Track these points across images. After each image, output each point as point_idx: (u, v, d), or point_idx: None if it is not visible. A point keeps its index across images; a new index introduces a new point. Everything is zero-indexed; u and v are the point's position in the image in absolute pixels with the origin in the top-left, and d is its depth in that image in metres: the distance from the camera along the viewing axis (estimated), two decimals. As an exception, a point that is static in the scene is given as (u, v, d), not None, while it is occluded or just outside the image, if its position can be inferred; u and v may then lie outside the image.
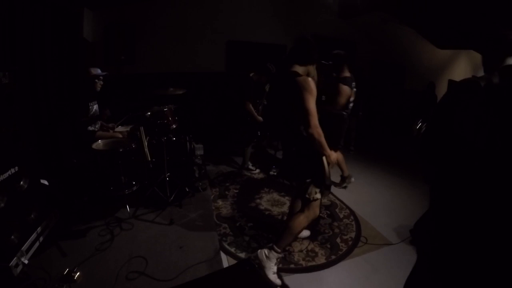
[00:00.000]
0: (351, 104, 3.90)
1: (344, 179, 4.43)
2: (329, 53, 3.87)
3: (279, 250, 2.52)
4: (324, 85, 5.87)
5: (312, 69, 2.46)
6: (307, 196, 2.45)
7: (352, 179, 4.48)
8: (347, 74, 3.80)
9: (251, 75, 4.53)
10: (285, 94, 2.41)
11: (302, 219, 2.52)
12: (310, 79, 2.26)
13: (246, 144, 4.84)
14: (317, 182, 2.42)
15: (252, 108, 4.48)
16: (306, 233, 3.12)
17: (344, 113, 3.87)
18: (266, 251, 2.52)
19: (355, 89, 3.87)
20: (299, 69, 2.40)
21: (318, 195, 2.47)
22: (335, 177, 4.49)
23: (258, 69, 4.51)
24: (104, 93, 3.94)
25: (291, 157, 2.53)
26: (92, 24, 5.26)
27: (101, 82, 3.81)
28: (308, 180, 2.44)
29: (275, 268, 2.50)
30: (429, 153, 1.41)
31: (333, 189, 4.36)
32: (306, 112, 2.21)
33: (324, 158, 2.30)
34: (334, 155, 2.43)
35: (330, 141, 2.36)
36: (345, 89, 3.68)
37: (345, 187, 4.42)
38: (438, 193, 1.40)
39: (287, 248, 2.93)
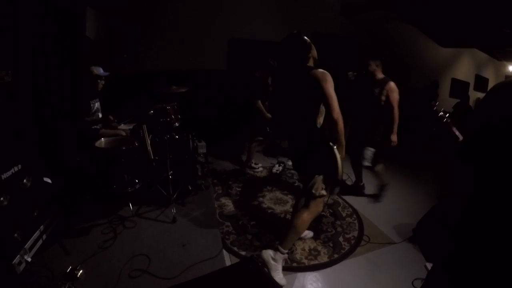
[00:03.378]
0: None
1: (356, 188, 4.29)
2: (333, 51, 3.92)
3: (284, 251, 2.51)
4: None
5: (314, 52, 2.47)
6: (313, 191, 2.44)
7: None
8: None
9: (256, 74, 4.53)
10: (298, 89, 2.40)
11: (306, 216, 2.51)
12: (326, 71, 2.28)
13: (251, 140, 4.83)
14: (329, 177, 2.43)
15: (262, 106, 4.49)
16: (309, 234, 3.12)
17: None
18: (271, 252, 2.50)
19: None
20: (309, 61, 2.42)
21: (324, 191, 2.46)
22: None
23: (261, 66, 4.52)
24: (106, 91, 3.94)
25: (303, 151, 2.50)
26: (94, 23, 5.26)
27: (103, 82, 3.81)
28: (318, 175, 2.44)
29: (280, 269, 2.50)
30: (471, 156, 1.31)
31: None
32: (329, 98, 2.21)
33: (336, 152, 2.26)
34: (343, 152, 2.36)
35: None
36: None
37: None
38: (478, 198, 1.29)
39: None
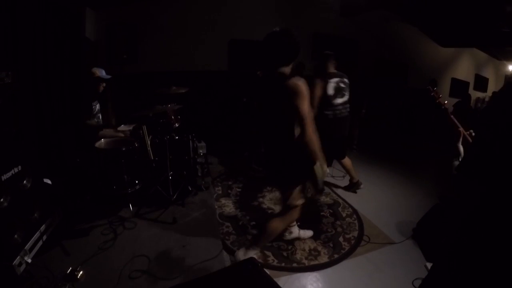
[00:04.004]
0: (338, 100, 3.75)
1: (353, 185, 4.25)
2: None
3: (257, 249, 2.56)
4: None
5: (296, 60, 2.27)
6: (288, 203, 2.42)
7: (362, 186, 4.26)
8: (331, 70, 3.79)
9: (260, 74, 4.52)
10: (274, 99, 2.23)
11: (279, 224, 2.52)
12: (300, 81, 2.08)
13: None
14: (308, 185, 2.41)
15: None
16: (309, 233, 3.12)
17: (328, 112, 3.77)
18: (242, 252, 2.56)
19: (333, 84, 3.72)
20: (285, 69, 2.20)
21: (300, 201, 2.44)
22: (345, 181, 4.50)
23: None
24: (106, 93, 3.94)
25: (280, 162, 2.38)
26: (94, 24, 5.26)
27: (104, 85, 3.82)
28: (297, 187, 2.38)
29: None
30: (476, 170, 1.19)
31: (336, 187, 4.36)
32: (301, 119, 2.06)
33: (316, 165, 2.21)
34: (325, 168, 2.29)
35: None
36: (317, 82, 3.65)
37: (355, 192, 4.25)
38: (485, 212, 1.21)
39: (289, 248, 2.93)
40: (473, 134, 1.58)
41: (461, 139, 1.51)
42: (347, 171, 4.22)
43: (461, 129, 1.58)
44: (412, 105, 8.43)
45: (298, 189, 2.39)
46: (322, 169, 2.24)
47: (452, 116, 1.79)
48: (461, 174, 1.26)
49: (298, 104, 2.04)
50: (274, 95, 2.21)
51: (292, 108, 2.07)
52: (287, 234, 3.00)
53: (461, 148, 1.48)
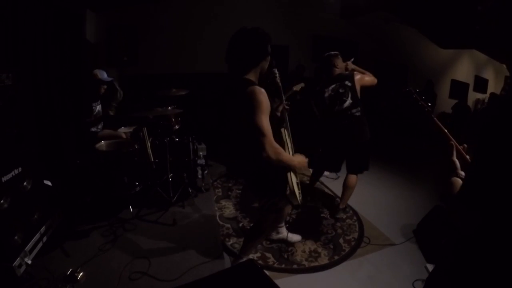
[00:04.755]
0: (337, 108, 3.32)
1: (337, 210, 3.62)
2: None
3: (246, 257, 2.53)
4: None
5: (265, 64, 2.07)
6: (264, 210, 2.34)
7: (341, 215, 3.63)
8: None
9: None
10: (236, 107, 2.05)
11: (259, 238, 2.51)
12: (259, 89, 1.87)
13: None
14: (282, 200, 2.19)
15: None
16: (297, 237, 3.07)
17: (331, 122, 3.42)
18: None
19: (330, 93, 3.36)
20: (251, 74, 2.02)
21: (275, 214, 2.39)
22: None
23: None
24: (107, 94, 3.95)
25: (249, 174, 2.27)
26: (94, 26, 5.28)
27: (105, 87, 3.82)
28: (270, 199, 2.23)
29: None
30: (479, 197, 1.01)
31: (335, 187, 4.35)
32: (257, 132, 1.83)
33: (288, 175, 2.00)
34: (300, 159, 2.06)
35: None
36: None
37: (336, 218, 3.58)
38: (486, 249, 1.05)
39: (290, 249, 2.93)
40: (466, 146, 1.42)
41: (454, 153, 1.37)
42: (344, 190, 3.57)
43: (452, 142, 1.41)
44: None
45: (272, 201, 2.23)
46: (297, 186, 2.07)
47: (436, 119, 1.61)
48: (461, 202, 1.09)
49: (252, 113, 1.83)
50: (237, 104, 2.03)
51: (249, 119, 1.85)
52: (274, 233, 2.95)
53: (457, 162, 1.35)
